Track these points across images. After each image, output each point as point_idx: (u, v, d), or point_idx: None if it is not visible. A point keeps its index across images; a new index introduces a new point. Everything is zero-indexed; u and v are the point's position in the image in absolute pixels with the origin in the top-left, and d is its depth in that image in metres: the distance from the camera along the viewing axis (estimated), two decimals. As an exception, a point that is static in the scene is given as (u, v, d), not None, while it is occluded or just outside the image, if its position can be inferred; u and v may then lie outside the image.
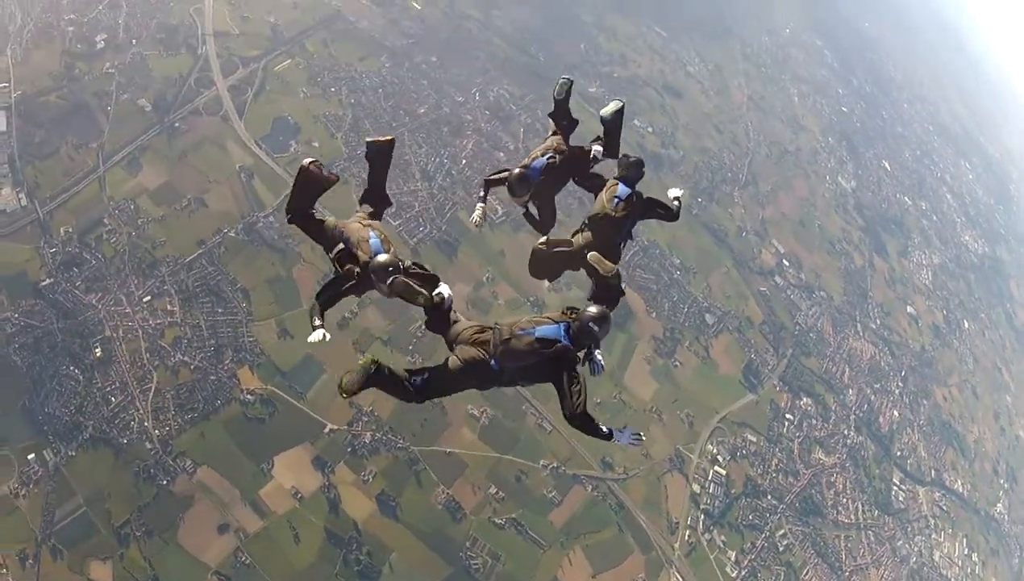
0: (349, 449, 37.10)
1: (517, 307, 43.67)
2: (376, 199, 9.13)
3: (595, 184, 9.94)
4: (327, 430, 37.09)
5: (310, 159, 8.72)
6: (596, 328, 7.47)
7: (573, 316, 7.67)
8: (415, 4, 55.54)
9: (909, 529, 52.66)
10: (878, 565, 49.15)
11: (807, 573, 45.91)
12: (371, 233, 8.10)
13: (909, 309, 67.96)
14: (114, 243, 38.33)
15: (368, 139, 9.00)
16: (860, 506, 50.68)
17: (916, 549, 52.16)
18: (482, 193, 10.00)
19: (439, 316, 8.22)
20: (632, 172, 9.53)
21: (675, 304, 50.47)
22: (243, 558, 34.03)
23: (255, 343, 37.90)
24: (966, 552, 55.52)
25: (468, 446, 38.80)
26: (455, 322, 8.20)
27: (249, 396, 36.73)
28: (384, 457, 37.39)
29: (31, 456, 33.32)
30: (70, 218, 38.44)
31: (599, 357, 8.05)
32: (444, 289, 8.14)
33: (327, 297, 8.36)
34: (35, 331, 35.49)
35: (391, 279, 7.52)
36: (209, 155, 42.16)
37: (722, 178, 63.65)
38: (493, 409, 40.22)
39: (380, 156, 9.12)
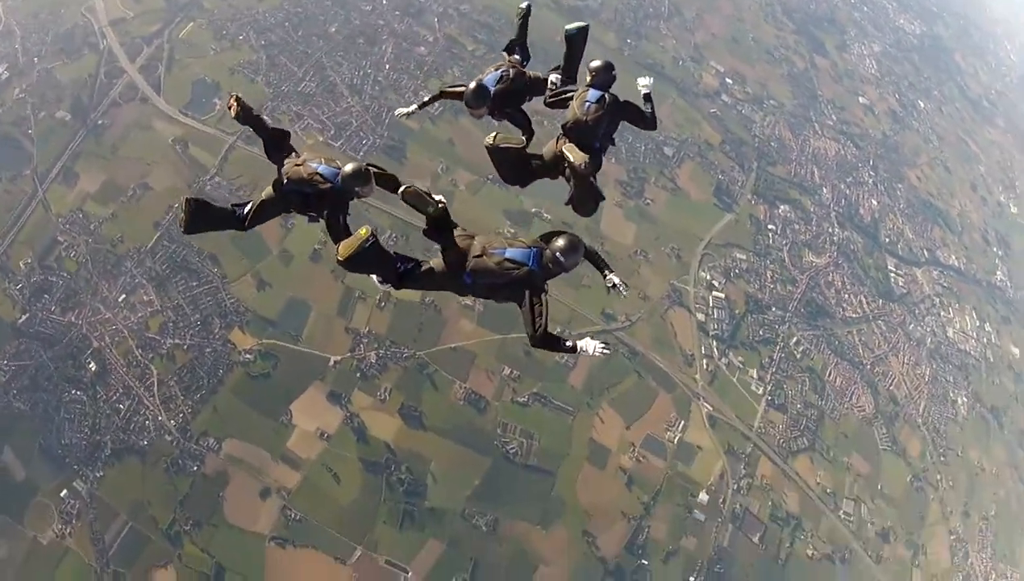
0: (358, 374, 36.83)
1: (478, 190, 43.28)
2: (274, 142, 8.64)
3: (563, 101, 9.44)
4: (332, 363, 36.75)
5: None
6: (563, 259, 7.32)
7: (544, 244, 7.60)
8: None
9: (917, 311, 53.10)
10: (896, 352, 49.72)
11: (830, 374, 46.32)
12: (313, 164, 7.93)
13: (861, 100, 67.65)
14: (75, 257, 37.39)
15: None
16: (863, 299, 51.01)
17: (929, 330, 52.73)
18: (425, 99, 10.03)
19: (440, 223, 8.00)
20: (601, 76, 9.17)
21: (631, 145, 49.63)
22: (293, 515, 34.01)
23: (237, 303, 37.33)
24: (978, 324, 56.16)
25: (470, 335, 38.53)
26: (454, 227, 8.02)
27: (248, 355, 36.28)
28: (394, 371, 37.16)
29: (63, 493, 32.96)
30: (25, 250, 37.36)
31: (616, 280, 7.93)
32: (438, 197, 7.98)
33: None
34: (27, 370, 34.75)
35: (403, 188, 7.64)
36: (139, 140, 40.93)
37: (644, 14, 62.52)
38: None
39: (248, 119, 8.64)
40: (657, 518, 38.30)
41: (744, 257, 47.81)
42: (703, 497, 39.33)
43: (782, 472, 42.12)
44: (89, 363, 35.33)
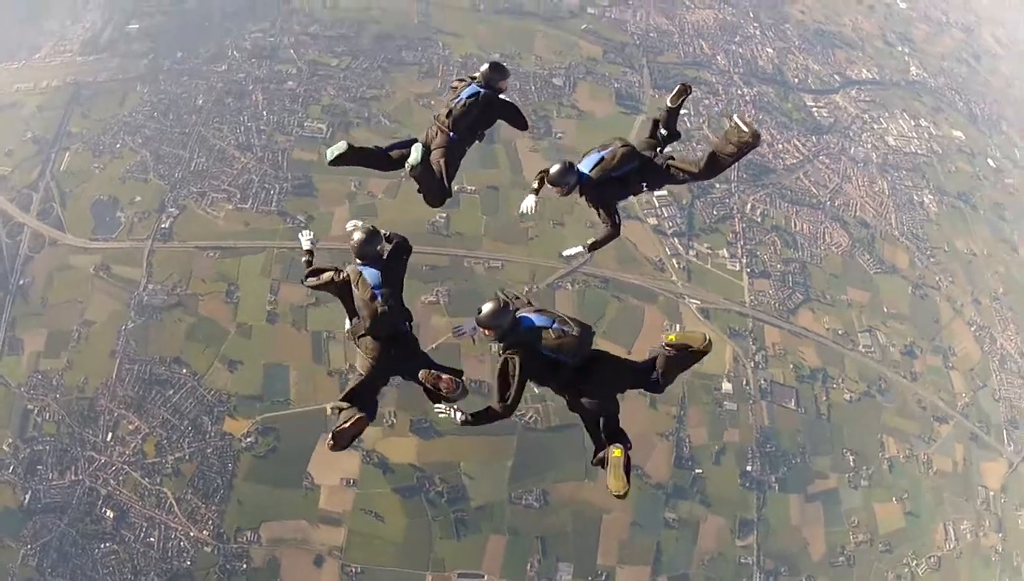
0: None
1: (395, 193, 41.71)
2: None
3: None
4: (329, 412, 35.00)
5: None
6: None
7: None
8: (130, 26, 51.54)
9: (851, 134, 52.84)
10: (848, 179, 49.48)
11: (795, 225, 46.02)
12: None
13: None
14: (50, 418, 35.77)
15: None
16: (796, 143, 50.55)
17: (870, 146, 52.54)
18: (535, 185, 9.34)
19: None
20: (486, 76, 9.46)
21: (522, 88, 48.28)
22: (353, 570, 33.24)
23: (218, 393, 35.98)
24: (913, 123, 55.90)
25: (446, 330, 36.83)
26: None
27: (248, 439, 35.05)
28: (390, 394, 35.53)
29: None
30: (3, 433, 35.66)
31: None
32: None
33: None
34: (51, 545, 33.36)
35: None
36: (64, 282, 39.38)
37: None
38: (445, 284, 38.90)
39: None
40: (692, 425, 37.74)
41: (669, 148, 46.15)
42: (727, 387, 38.70)
43: (789, 333, 41.62)
44: (105, 512, 33.95)
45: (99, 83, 46.91)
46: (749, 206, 45.65)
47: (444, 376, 7.52)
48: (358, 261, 7.83)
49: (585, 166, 8.73)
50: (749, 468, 37.57)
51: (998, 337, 46.50)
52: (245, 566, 32.86)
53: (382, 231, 8.11)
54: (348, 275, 7.75)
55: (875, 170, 50.65)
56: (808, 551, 37.43)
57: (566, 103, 48.71)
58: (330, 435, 7.58)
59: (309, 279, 7.99)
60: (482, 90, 9.02)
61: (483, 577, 33.62)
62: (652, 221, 43.57)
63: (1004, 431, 43.69)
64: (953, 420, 42.44)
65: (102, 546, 33.39)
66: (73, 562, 33.08)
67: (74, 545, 33.38)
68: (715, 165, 8.72)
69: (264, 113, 45.79)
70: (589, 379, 7.74)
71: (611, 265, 41.10)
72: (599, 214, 9.00)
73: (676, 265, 42.28)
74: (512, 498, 34.70)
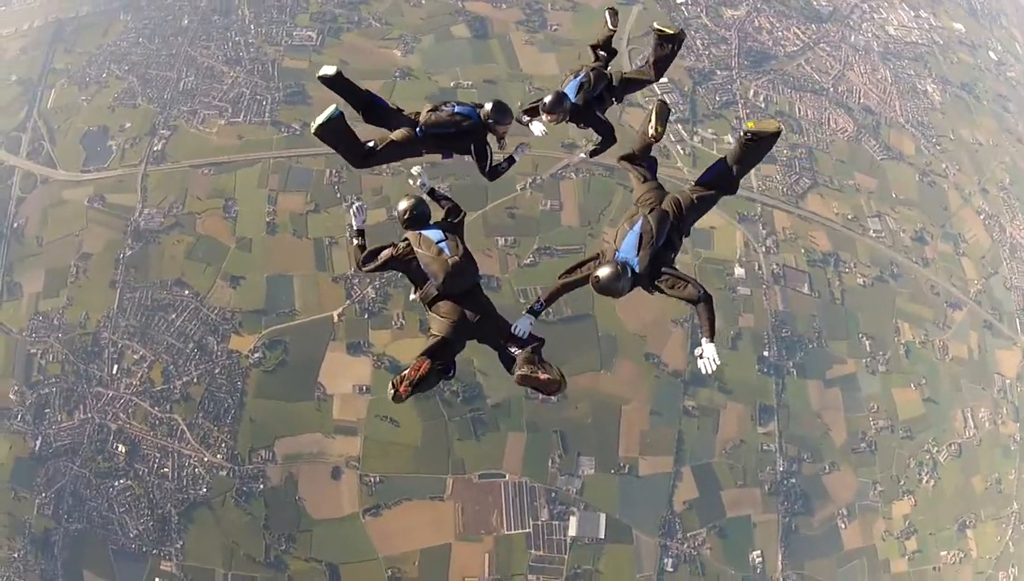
0: (366, 315, 34.81)
1: (390, 91, 40.27)
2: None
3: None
4: (336, 319, 34.66)
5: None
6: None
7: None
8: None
9: (851, 23, 51.64)
10: (850, 67, 48.45)
11: (799, 110, 45.02)
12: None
13: None
14: (53, 359, 34.88)
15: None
16: (796, 31, 49.26)
17: (871, 35, 51.45)
18: (525, 121, 9.74)
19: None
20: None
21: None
22: (372, 479, 32.42)
23: (222, 311, 34.95)
24: (912, 14, 54.80)
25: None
26: None
27: (256, 355, 34.03)
28: (397, 295, 35.02)
29: None
30: (8, 382, 34.77)
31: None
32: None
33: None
34: (66, 489, 32.72)
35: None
36: (58, 219, 38.19)
37: None
38: (447, 180, 37.10)
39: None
40: (706, 310, 36.46)
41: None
42: (739, 272, 37.89)
43: (799, 217, 40.70)
44: (117, 448, 33.14)
45: (81, 17, 45.50)
46: (752, 92, 44.57)
47: (543, 376, 6.75)
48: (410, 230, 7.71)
49: (570, 93, 9.11)
50: (766, 353, 36.77)
51: (1007, 226, 45.98)
52: (262, 486, 32.11)
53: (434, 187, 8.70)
54: (406, 244, 7.59)
55: (877, 58, 49.54)
56: (830, 437, 36.81)
57: (559, -7, 47.54)
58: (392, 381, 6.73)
59: (367, 264, 7.74)
60: (477, 120, 8.63)
61: (504, 476, 32.84)
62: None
63: (1017, 320, 43.34)
64: (967, 306, 41.96)
65: (116, 483, 32.63)
66: (89, 504, 32.40)
67: (88, 487, 32.66)
68: (662, 66, 9.50)
69: (251, 27, 44.36)
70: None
71: (616, 152, 39.29)
72: (595, 130, 9.53)
73: (681, 151, 41.23)
74: (529, 394, 33.49)
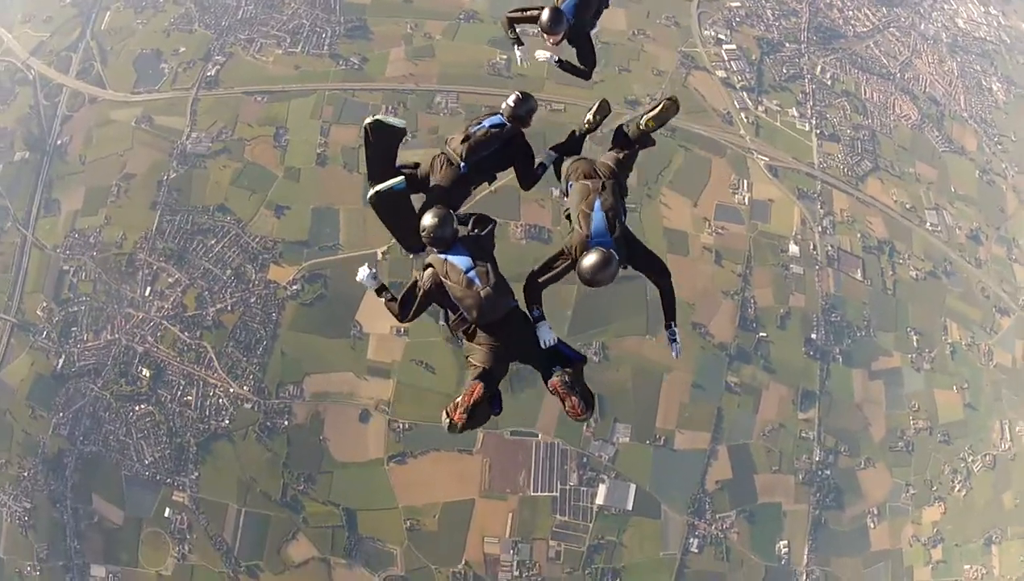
0: (411, 256, 33.07)
1: (454, 33, 39.67)
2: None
3: None
4: (380, 256, 33.39)
5: None
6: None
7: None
8: None
9: (921, 10, 49.61)
10: (918, 54, 46.58)
11: (865, 92, 43.37)
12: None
13: None
14: (86, 277, 34.27)
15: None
16: (867, 11, 47.57)
17: (940, 25, 49.37)
18: (511, 35, 9.25)
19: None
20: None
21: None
22: (401, 426, 31.43)
23: (263, 240, 34.05)
24: (983, 10, 52.77)
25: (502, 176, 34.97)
26: None
27: (294, 286, 33.12)
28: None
29: (167, 513, 30.73)
30: (37, 298, 34.37)
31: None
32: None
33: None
34: (84, 410, 32.15)
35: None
36: (104, 138, 37.48)
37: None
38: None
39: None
40: (758, 286, 35.55)
41: (739, 3, 44.20)
42: (793, 249, 36.49)
43: (858, 200, 39.25)
44: (141, 371, 32.41)
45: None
46: (819, 68, 43.07)
47: (573, 398, 6.41)
48: (436, 250, 6.86)
49: (567, 10, 8.52)
50: (814, 336, 35.37)
51: (1062, 237, 44.02)
52: (286, 423, 31.34)
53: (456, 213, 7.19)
54: (431, 274, 6.83)
55: (944, 49, 47.88)
56: (869, 431, 35.38)
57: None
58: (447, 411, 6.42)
59: (407, 317, 7.13)
60: (508, 123, 7.78)
61: (537, 436, 31.66)
62: (720, 73, 41.19)
63: (1065, 336, 41.72)
64: (1015, 314, 40.27)
65: (137, 408, 32.02)
66: (106, 427, 31.84)
67: (107, 409, 32.08)
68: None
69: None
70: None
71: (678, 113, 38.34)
72: (581, 54, 9.04)
73: (744, 119, 39.79)
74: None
